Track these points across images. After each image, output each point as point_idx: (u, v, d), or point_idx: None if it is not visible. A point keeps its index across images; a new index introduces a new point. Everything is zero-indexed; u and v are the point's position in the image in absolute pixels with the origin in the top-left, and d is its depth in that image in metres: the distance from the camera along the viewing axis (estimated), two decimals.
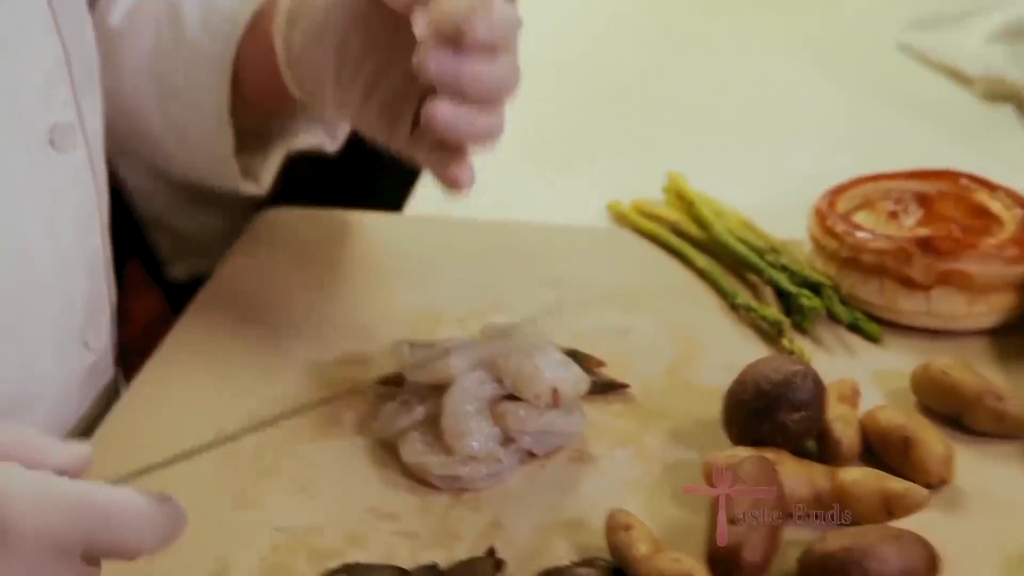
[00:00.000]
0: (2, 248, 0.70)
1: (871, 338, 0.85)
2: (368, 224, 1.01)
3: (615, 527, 0.66)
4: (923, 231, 0.87)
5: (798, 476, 0.69)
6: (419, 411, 0.75)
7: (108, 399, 0.84)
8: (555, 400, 0.74)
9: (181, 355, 0.85)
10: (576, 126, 1.19)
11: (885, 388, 0.80)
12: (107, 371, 0.84)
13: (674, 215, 1.00)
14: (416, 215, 1.04)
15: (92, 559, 0.54)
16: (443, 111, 0.65)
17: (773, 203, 1.03)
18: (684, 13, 1.43)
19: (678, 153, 1.12)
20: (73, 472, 0.56)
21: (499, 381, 0.74)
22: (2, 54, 0.70)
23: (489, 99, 0.66)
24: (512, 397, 0.74)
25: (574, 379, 0.75)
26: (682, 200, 1.01)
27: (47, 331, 0.75)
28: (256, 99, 0.88)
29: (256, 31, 0.84)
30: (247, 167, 0.93)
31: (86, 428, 0.81)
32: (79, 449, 0.58)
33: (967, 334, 0.85)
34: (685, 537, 0.68)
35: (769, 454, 0.69)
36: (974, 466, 0.73)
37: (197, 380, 0.83)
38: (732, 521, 0.64)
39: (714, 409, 0.77)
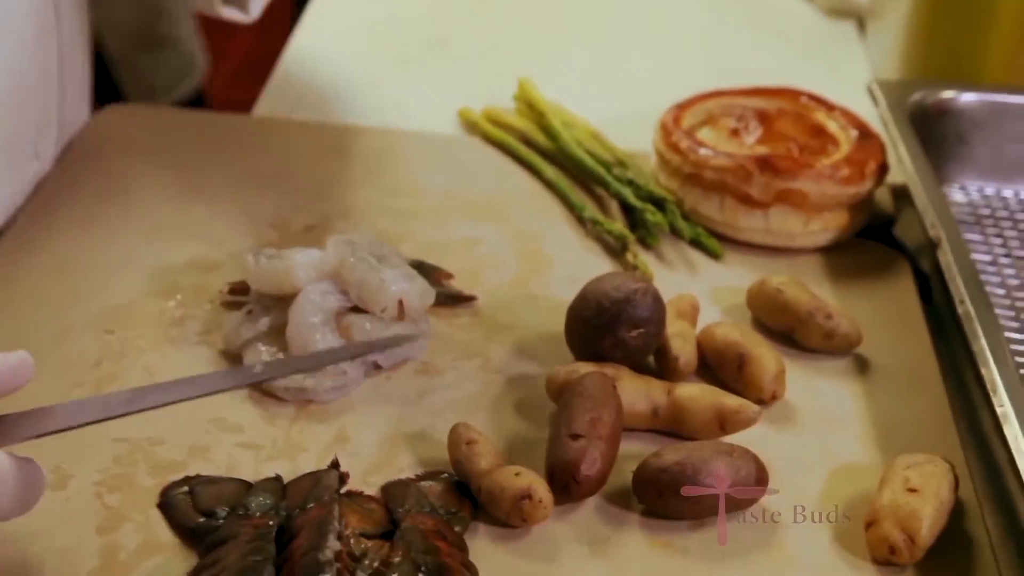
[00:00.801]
0: None
1: (712, 254, 0.86)
2: (217, 124, 0.98)
3: (457, 441, 0.66)
4: (763, 149, 0.88)
5: (636, 391, 0.70)
6: (264, 322, 0.74)
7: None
8: (401, 313, 0.73)
9: (22, 253, 0.82)
10: (428, 31, 1.16)
11: (723, 304, 0.82)
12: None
13: (524, 124, 1.00)
14: (265, 117, 1.01)
15: None
16: None
17: (623, 113, 1.03)
18: None
19: (530, 59, 1.11)
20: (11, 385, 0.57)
21: (345, 293, 0.74)
22: None
23: None
24: (358, 309, 0.74)
25: (420, 291, 0.74)
26: (532, 109, 1.01)
27: (3, 138, 0.80)
28: None
29: None
30: None
31: None
32: (13, 360, 0.57)
33: (803, 252, 0.87)
34: (526, 451, 0.69)
35: (609, 369, 0.70)
36: (804, 381, 0.75)
37: (37, 280, 0.80)
38: (572, 436, 0.65)
39: (558, 322, 0.78)
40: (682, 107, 0.94)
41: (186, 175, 0.91)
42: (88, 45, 0.94)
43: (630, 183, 0.90)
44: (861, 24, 1.23)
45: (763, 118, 0.92)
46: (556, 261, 0.86)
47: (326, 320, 0.73)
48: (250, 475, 0.67)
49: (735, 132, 0.91)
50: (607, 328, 0.71)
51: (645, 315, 0.72)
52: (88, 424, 0.60)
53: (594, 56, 1.15)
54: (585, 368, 0.70)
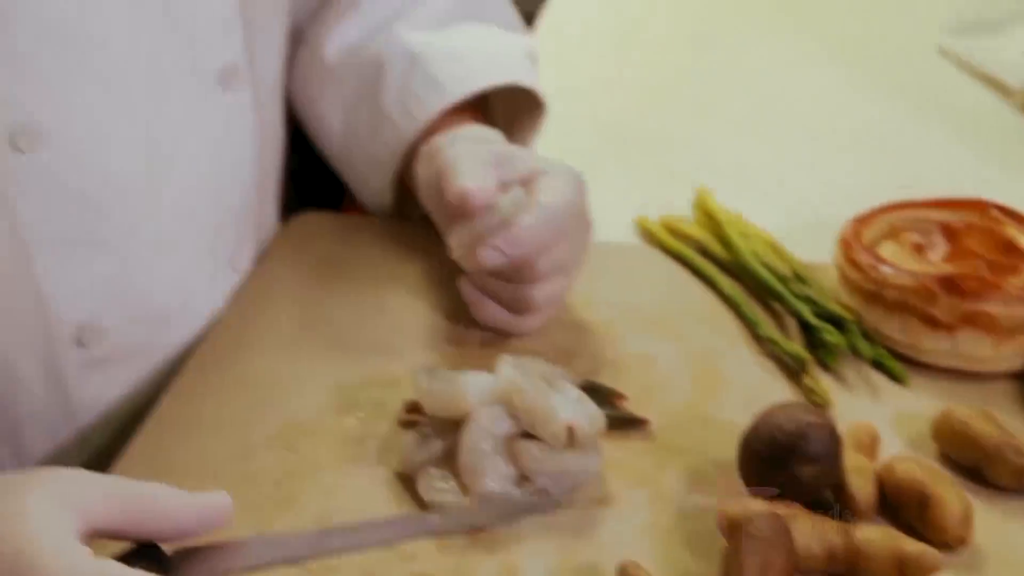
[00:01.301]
0: (163, 173, 0.80)
1: (895, 377, 0.83)
2: (401, 231, 1.00)
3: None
4: (948, 267, 0.85)
5: (811, 532, 0.68)
6: (437, 445, 0.74)
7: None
8: (571, 439, 0.73)
9: (209, 368, 0.85)
10: (604, 139, 1.17)
11: (907, 432, 0.79)
12: None
13: (701, 234, 0.99)
14: None
15: None
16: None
17: (803, 220, 1.02)
18: (713, 18, 1.41)
19: (708, 167, 1.10)
20: (207, 528, 0.60)
21: (515, 417, 0.74)
22: None
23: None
24: (528, 434, 0.74)
25: (590, 417, 0.74)
26: (710, 218, 1.00)
27: (201, 252, 0.86)
28: None
29: (434, 127, 0.92)
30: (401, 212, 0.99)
31: None
32: (211, 502, 0.60)
33: (993, 376, 0.83)
34: None
35: (782, 508, 0.68)
36: (994, 523, 0.71)
37: (224, 396, 0.83)
38: None
39: (732, 448, 0.76)
40: (863, 220, 0.91)
41: (368, 281, 0.93)
42: (284, 153, 0.98)
43: (808, 299, 0.88)
44: None
45: (949, 233, 0.89)
46: (732, 382, 0.84)
47: (496, 447, 0.73)
48: None
49: (918, 248, 0.88)
50: (780, 463, 0.70)
51: (820, 451, 0.69)
52: (272, 564, 0.61)
53: (771, 158, 1.13)
54: (758, 505, 0.69)
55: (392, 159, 0.94)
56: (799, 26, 1.38)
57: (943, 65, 1.30)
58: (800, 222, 1.01)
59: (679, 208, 1.03)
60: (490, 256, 0.79)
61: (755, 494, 0.71)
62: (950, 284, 0.82)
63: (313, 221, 1.02)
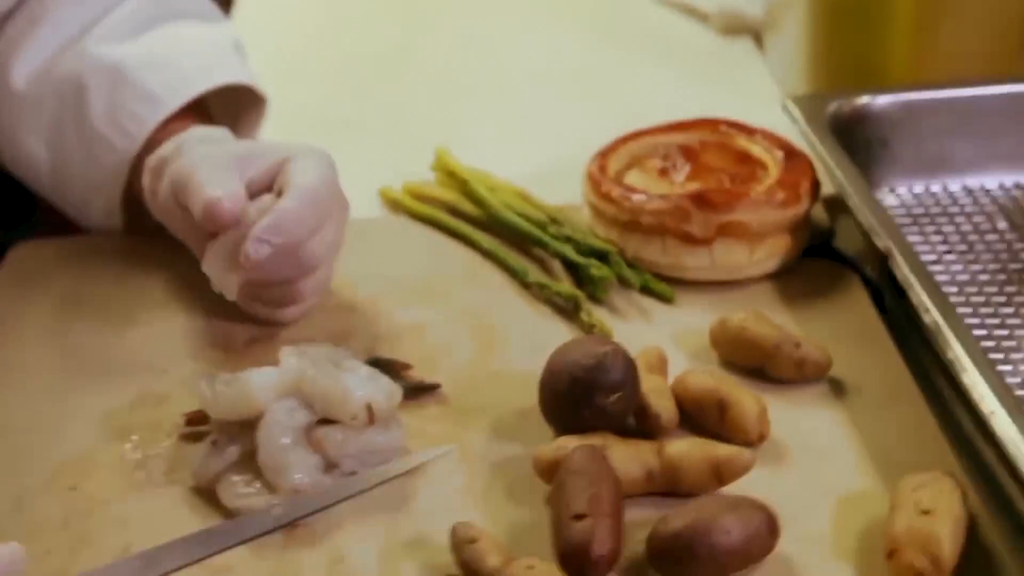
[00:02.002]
0: None
1: (664, 298, 0.85)
2: (124, 246, 0.94)
3: (459, 543, 0.64)
4: (694, 185, 0.88)
5: (626, 458, 0.68)
6: (232, 451, 0.71)
7: None
8: (371, 417, 0.71)
9: None
10: (332, 111, 1.14)
11: (687, 348, 0.81)
12: None
13: (448, 195, 0.98)
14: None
15: None
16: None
17: (544, 169, 1.02)
18: None
19: (442, 132, 1.08)
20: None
21: (310, 406, 0.71)
22: None
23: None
24: (326, 420, 0.71)
25: (386, 392, 0.72)
26: (454, 178, 0.99)
27: None
28: None
29: (154, 139, 0.87)
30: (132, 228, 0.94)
31: None
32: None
33: (752, 281, 0.86)
34: (529, 538, 0.66)
35: (595, 439, 0.69)
36: (785, 415, 0.74)
37: None
38: (575, 517, 0.63)
39: (529, 396, 0.76)
40: (605, 154, 0.93)
41: (113, 302, 0.88)
42: None
43: (568, 239, 0.89)
44: (758, 40, 1.23)
45: (688, 153, 0.91)
46: (510, 333, 0.84)
47: (297, 439, 0.70)
48: None
49: (664, 172, 0.90)
50: (583, 398, 0.70)
51: (619, 378, 0.70)
52: None
53: (504, 114, 1.14)
54: (571, 442, 0.69)
55: (115, 180, 0.89)
56: None
57: (640, 4, 1.33)
58: (542, 170, 1.01)
59: (420, 176, 1.01)
60: (257, 249, 0.75)
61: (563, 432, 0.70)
62: (701, 200, 0.85)
63: (32, 250, 0.95)
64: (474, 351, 0.82)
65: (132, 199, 0.91)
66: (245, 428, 0.71)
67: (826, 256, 0.89)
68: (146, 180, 0.85)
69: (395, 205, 0.99)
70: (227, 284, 0.78)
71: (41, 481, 0.73)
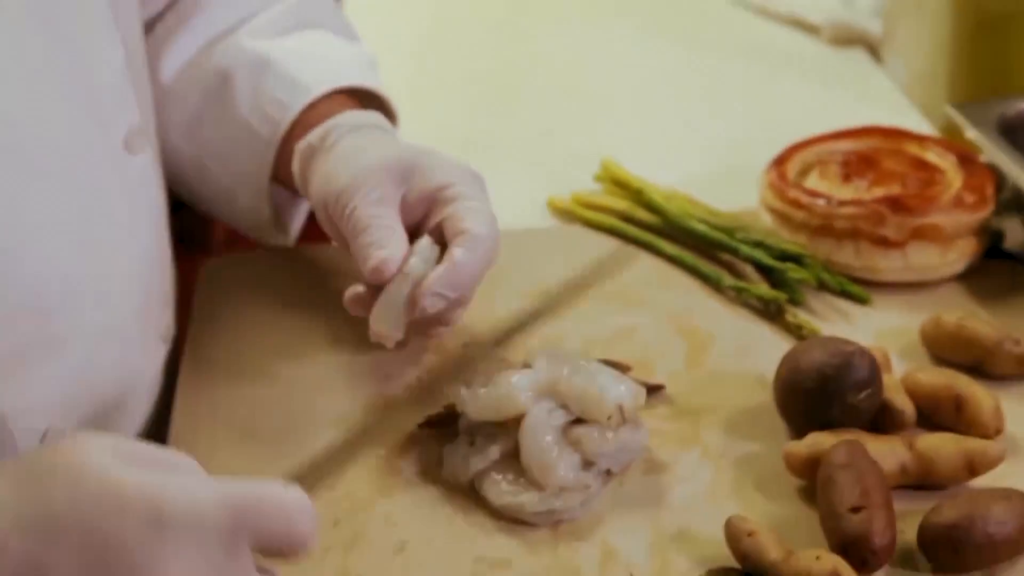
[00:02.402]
0: (92, 252, 0.72)
1: (860, 300, 0.88)
2: (308, 257, 0.96)
3: (737, 535, 0.66)
4: (880, 191, 0.90)
5: (881, 452, 0.70)
6: (494, 451, 0.73)
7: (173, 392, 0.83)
8: (622, 417, 0.73)
9: (196, 425, 0.80)
10: (469, 128, 1.15)
11: (893, 347, 0.83)
12: (174, 363, 0.84)
13: (620, 204, 1.00)
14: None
15: (266, 552, 0.51)
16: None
17: (696, 178, 1.04)
18: (520, 7, 1.40)
19: (587, 141, 1.11)
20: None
21: (565, 407, 0.73)
22: (81, 56, 0.70)
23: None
24: (579, 420, 0.73)
25: (634, 393, 0.74)
26: (622, 187, 1.01)
27: (136, 328, 0.78)
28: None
29: (302, 125, 0.85)
30: (278, 219, 0.92)
31: (164, 421, 0.80)
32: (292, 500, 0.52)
33: (941, 283, 0.89)
34: (789, 530, 0.69)
35: (847, 436, 0.71)
36: (1012, 410, 0.76)
37: (222, 454, 0.77)
38: (852, 510, 0.65)
39: (753, 395, 0.78)
40: (780, 161, 0.95)
41: (319, 315, 0.89)
42: None
43: (759, 244, 0.91)
44: (872, 51, 1.26)
45: (867, 159, 0.94)
46: (717, 335, 0.86)
47: (557, 438, 0.72)
48: None
49: (847, 177, 0.92)
50: (834, 396, 0.72)
51: (867, 375, 0.72)
52: None
53: (644, 126, 1.14)
54: (824, 439, 0.71)
55: (259, 169, 0.87)
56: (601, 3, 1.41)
57: (741, 15, 1.35)
58: (694, 179, 1.03)
59: (577, 186, 1.03)
60: (434, 303, 0.75)
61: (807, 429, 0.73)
62: (896, 204, 0.87)
63: (224, 266, 0.96)
64: (687, 353, 0.84)
65: (278, 189, 0.90)
66: (502, 428, 0.73)
67: (999, 257, 0.92)
68: (296, 166, 0.84)
69: (565, 215, 1.01)
70: (392, 336, 0.77)
71: (296, 481, 0.74)
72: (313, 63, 0.89)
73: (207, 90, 0.88)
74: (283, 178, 0.88)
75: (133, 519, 0.47)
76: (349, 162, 0.80)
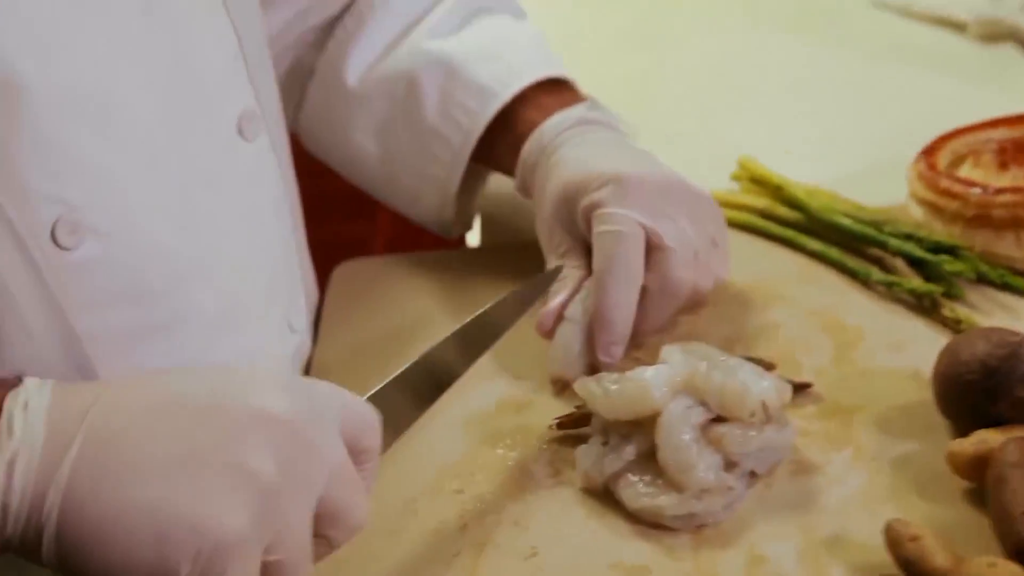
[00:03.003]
0: (206, 241, 0.70)
1: (1022, 293, 0.80)
2: (438, 262, 0.92)
3: (899, 540, 0.59)
4: None
5: None
6: (629, 451, 0.67)
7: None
8: (767, 415, 0.67)
9: None
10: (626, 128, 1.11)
11: None
12: (307, 351, 0.83)
13: (759, 202, 0.94)
14: (482, 245, 0.96)
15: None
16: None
17: (840, 175, 0.97)
18: (662, 7, 1.36)
19: (727, 142, 1.05)
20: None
21: (703, 404, 0.67)
22: (185, 40, 0.68)
23: None
24: (719, 419, 0.67)
25: (777, 388, 0.68)
26: (761, 185, 0.95)
27: (257, 317, 0.75)
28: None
29: (492, 129, 0.86)
30: (461, 215, 0.91)
31: None
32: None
33: None
34: (960, 535, 0.62)
35: (1018, 432, 0.64)
36: None
37: None
38: None
39: (908, 392, 0.72)
40: (930, 152, 0.88)
41: (441, 319, 0.85)
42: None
43: (910, 237, 0.84)
44: (1021, 43, 1.18)
45: (1022, 148, 0.86)
46: (866, 331, 0.79)
47: (697, 437, 0.66)
48: None
49: (1003, 165, 0.85)
50: (1000, 389, 0.65)
51: None
52: None
53: (784, 125, 1.09)
54: (992, 436, 0.64)
55: (448, 175, 0.87)
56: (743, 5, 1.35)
57: (885, 16, 1.28)
58: (839, 175, 0.97)
59: (710, 188, 0.97)
60: (613, 355, 0.76)
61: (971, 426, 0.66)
62: None
63: (358, 267, 0.94)
64: (833, 350, 0.78)
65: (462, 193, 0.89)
66: (636, 428, 0.68)
67: None
68: (520, 176, 0.85)
69: None
70: (568, 377, 0.76)
71: (426, 485, 0.70)
72: (497, 63, 0.87)
73: (393, 95, 0.88)
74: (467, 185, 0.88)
75: (315, 413, 0.56)
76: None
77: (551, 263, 0.80)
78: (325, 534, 0.56)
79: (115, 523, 0.52)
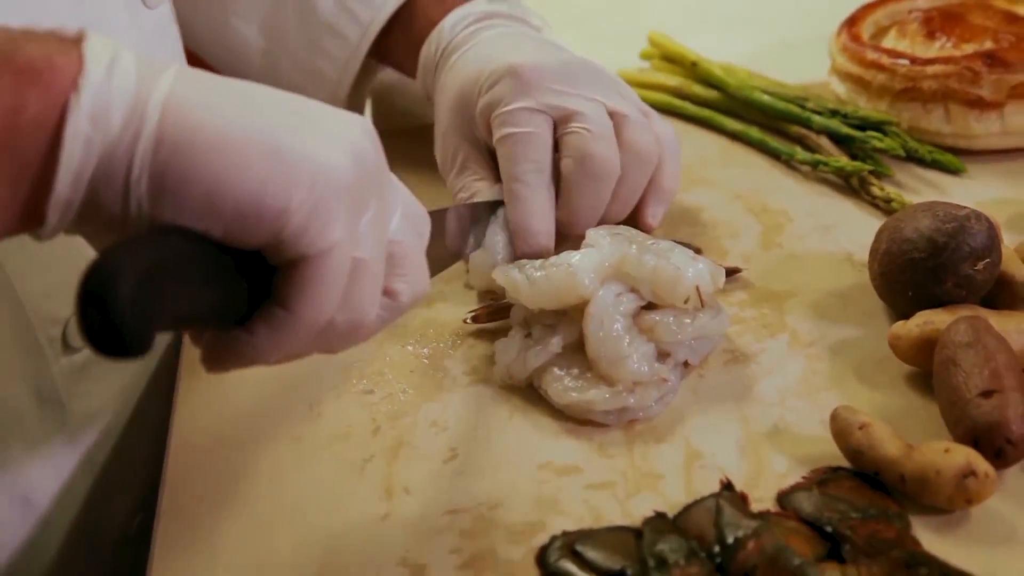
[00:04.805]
0: None
1: (953, 170, 0.76)
2: None
3: (847, 428, 0.55)
4: (971, 47, 0.78)
5: (1006, 330, 0.59)
6: (555, 343, 0.61)
7: None
8: (702, 300, 0.62)
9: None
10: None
11: (999, 218, 0.71)
12: None
13: (672, 80, 0.88)
14: None
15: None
16: None
17: (754, 52, 0.92)
18: None
19: (633, 19, 0.99)
20: None
21: (634, 291, 0.62)
22: None
23: None
24: (651, 305, 0.62)
25: (712, 272, 0.62)
26: (674, 62, 0.89)
27: None
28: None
29: (398, 30, 0.78)
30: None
31: None
32: None
33: None
34: (908, 422, 0.58)
35: (965, 312, 0.60)
36: None
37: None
38: (983, 395, 0.54)
39: (842, 276, 0.68)
40: (853, 22, 0.83)
41: None
42: None
43: (835, 113, 0.79)
44: None
45: (951, 15, 0.81)
46: (793, 213, 0.75)
47: (628, 326, 0.61)
48: (619, 518, 0.55)
49: (930, 35, 0.80)
50: (946, 266, 0.61)
51: (985, 243, 0.61)
52: None
53: (679, 4, 1.04)
54: (938, 317, 0.60)
55: (341, 74, 0.80)
56: None
57: None
58: (753, 53, 0.92)
59: (616, 67, 0.91)
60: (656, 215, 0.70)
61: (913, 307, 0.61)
62: (993, 59, 0.75)
63: None
64: (760, 233, 0.73)
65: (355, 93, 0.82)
66: (560, 318, 0.62)
67: None
68: (421, 80, 0.77)
69: None
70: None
71: (331, 385, 0.64)
72: None
73: None
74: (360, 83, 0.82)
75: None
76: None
77: (450, 182, 0.72)
78: (392, 285, 0.50)
79: (224, 132, 0.43)
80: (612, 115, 0.68)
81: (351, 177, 0.45)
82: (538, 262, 0.63)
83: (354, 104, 0.83)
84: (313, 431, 0.61)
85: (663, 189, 0.70)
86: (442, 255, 0.66)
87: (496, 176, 0.70)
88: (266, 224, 0.43)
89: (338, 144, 0.46)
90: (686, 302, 0.61)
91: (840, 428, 0.55)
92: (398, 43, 0.79)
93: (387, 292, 0.50)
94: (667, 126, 0.71)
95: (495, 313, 0.67)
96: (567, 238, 0.68)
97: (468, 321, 0.67)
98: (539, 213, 0.67)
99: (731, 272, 0.69)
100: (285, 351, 0.47)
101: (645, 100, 0.84)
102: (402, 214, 0.50)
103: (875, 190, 0.73)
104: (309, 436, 0.61)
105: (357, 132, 0.47)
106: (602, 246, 0.63)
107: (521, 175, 0.67)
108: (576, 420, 0.60)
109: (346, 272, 0.46)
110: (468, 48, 0.73)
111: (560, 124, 0.68)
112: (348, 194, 0.45)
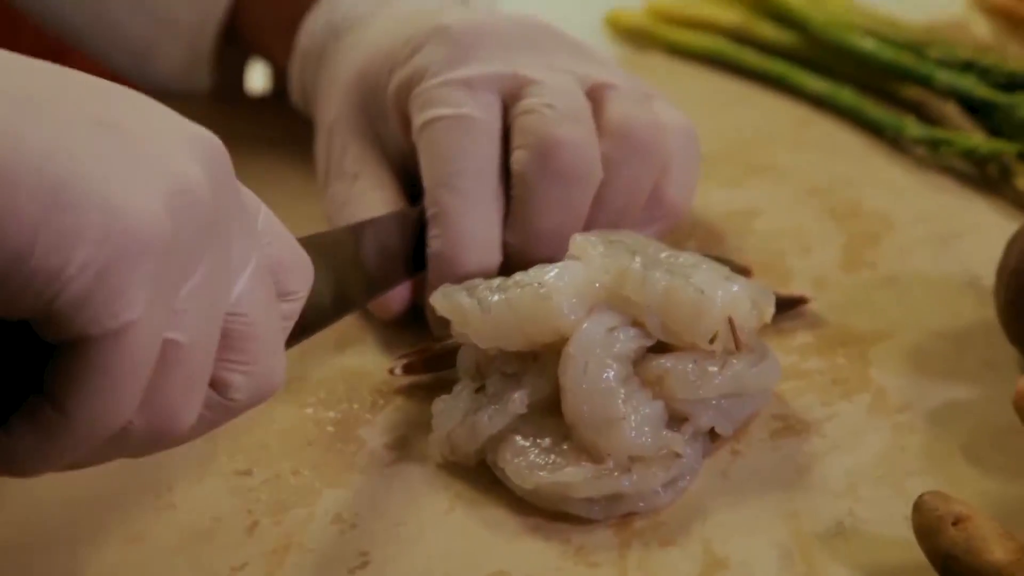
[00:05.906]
0: None
1: None
2: None
3: (935, 524, 0.64)
4: None
5: None
6: (517, 400, 0.71)
7: None
8: (737, 339, 0.71)
9: None
10: None
11: None
12: None
13: (729, 16, 0.98)
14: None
15: None
16: None
17: None
18: None
19: None
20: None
21: (638, 324, 0.71)
22: None
23: None
24: (661, 346, 0.71)
25: (754, 299, 0.72)
26: None
27: None
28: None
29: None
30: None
31: None
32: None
33: None
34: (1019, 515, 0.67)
35: None
36: None
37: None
38: None
39: (959, 309, 0.77)
40: None
41: None
42: None
43: (968, 66, 0.89)
44: None
45: None
46: (896, 217, 0.84)
47: (626, 375, 0.70)
48: None
49: None
50: None
51: None
52: None
53: None
54: None
55: (203, 16, 0.92)
56: None
57: None
58: None
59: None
60: None
61: None
62: None
63: None
64: (841, 245, 0.83)
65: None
66: (527, 363, 0.72)
67: None
68: (298, 70, 0.87)
69: (635, 37, 1.00)
70: None
71: (194, 463, 0.73)
72: None
73: None
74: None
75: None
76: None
77: (331, 193, 0.81)
78: (225, 376, 0.56)
79: None
80: (590, 89, 0.76)
81: (166, 229, 0.50)
82: (496, 281, 0.72)
83: (233, 61, 0.95)
84: (162, 528, 0.70)
85: (663, 203, 0.78)
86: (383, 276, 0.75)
87: (403, 187, 0.79)
88: (33, 290, 0.48)
89: (153, 179, 0.51)
90: (712, 341, 0.70)
91: (926, 522, 0.64)
92: (264, 22, 0.91)
93: (216, 384, 0.56)
94: (678, 113, 0.78)
95: (435, 360, 0.76)
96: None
97: (396, 372, 0.76)
98: (476, 236, 0.75)
99: (791, 303, 0.78)
100: (60, 461, 0.52)
101: (684, 46, 0.96)
102: (255, 273, 0.56)
103: (1020, 184, 0.83)
104: (156, 535, 0.70)
105: (189, 158, 0.52)
106: (591, 258, 0.72)
107: (451, 178, 0.75)
108: (546, 513, 0.69)
109: (150, 361, 0.51)
110: (375, 20, 0.83)
111: (511, 103, 0.76)
112: (160, 252, 0.50)
